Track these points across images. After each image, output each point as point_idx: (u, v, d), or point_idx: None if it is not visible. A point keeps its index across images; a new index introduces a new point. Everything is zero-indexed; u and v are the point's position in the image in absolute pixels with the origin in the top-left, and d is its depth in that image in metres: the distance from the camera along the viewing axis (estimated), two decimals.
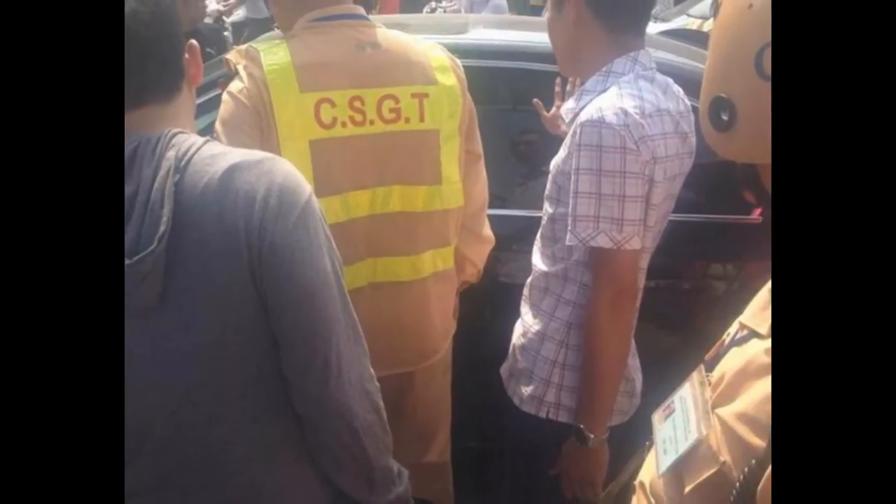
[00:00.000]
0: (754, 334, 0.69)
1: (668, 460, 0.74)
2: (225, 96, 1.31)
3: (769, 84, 0.62)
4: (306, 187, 0.89)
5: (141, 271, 0.79)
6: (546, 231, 1.42)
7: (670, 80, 1.39)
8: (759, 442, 0.61)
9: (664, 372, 1.23)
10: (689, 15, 7.16)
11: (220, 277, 0.83)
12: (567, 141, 1.33)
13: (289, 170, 0.89)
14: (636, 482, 0.85)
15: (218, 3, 7.19)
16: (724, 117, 0.68)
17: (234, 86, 1.30)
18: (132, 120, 0.85)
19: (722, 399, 0.69)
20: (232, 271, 0.83)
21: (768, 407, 0.58)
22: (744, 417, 0.65)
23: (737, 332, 0.74)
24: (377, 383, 0.97)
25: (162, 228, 0.79)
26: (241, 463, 0.91)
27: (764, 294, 0.72)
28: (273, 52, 1.30)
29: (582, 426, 1.33)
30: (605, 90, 1.31)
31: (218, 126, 1.28)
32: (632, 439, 1.13)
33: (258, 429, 0.91)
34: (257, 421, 0.91)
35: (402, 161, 1.38)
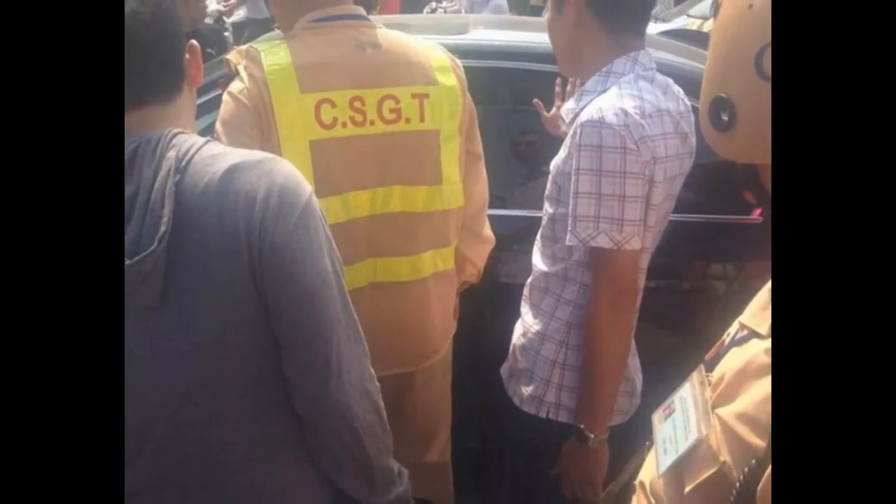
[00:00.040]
0: (754, 334, 0.69)
1: (668, 460, 0.74)
2: (225, 97, 1.31)
3: (769, 84, 0.62)
4: (307, 187, 0.89)
5: (141, 271, 0.79)
6: (546, 231, 1.42)
7: (670, 81, 1.39)
8: (759, 442, 0.62)
9: (664, 372, 1.23)
10: (689, 15, 7.16)
11: (221, 277, 0.83)
12: (567, 141, 1.33)
13: (289, 170, 0.89)
14: (636, 482, 0.85)
15: (218, 3, 7.19)
16: (724, 117, 0.68)
17: (235, 86, 1.30)
18: (133, 120, 0.85)
19: (722, 399, 0.69)
20: (232, 271, 0.83)
21: (768, 407, 0.58)
22: (744, 417, 0.65)
23: (737, 333, 0.74)
24: (377, 383, 0.97)
25: (162, 229, 0.79)
26: (242, 463, 0.91)
27: (764, 294, 0.72)
28: (273, 53, 1.31)
29: (582, 426, 1.33)
30: (605, 90, 1.31)
31: (218, 126, 1.28)
32: (632, 439, 1.13)
33: (258, 429, 0.91)
34: (258, 421, 0.91)
35: (402, 161, 1.38)
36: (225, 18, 7.35)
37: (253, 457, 0.92)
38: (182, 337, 0.84)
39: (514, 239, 1.89)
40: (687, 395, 0.76)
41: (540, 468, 1.42)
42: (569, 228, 1.27)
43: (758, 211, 1.91)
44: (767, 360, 0.64)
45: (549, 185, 1.39)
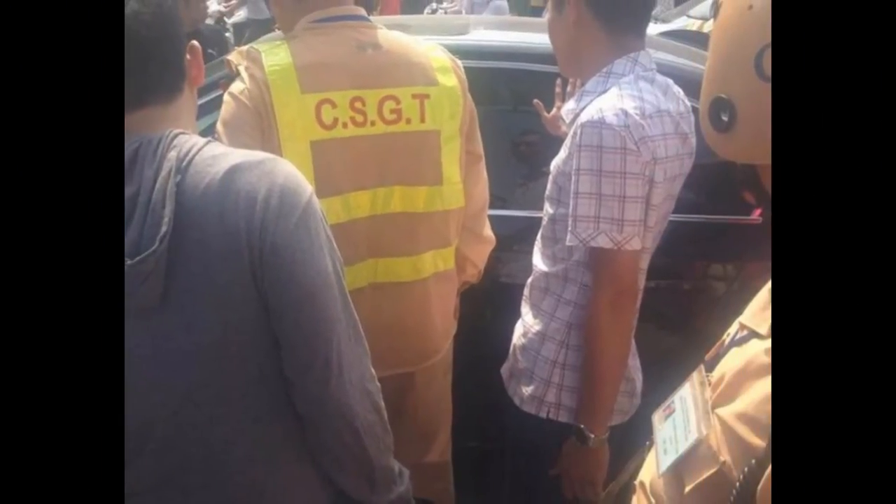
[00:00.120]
0: (754, 334, 0.69)
1: (668, 460, 0.74)
2: (226, 97, 1.31)
3: (769, 85, 0.62)
4: (307, 188, 0.89)
5: (142, 272, 0.79)
6: (546, 231, 1.42)
7: (670, 81, 1.39)
8: (759, 442, 0.62)
9: (664, 372, 1.23)
10: (689, 16, 7.16)
11: (222, 278, 0.83)
12: (567, 142, 1.34)
13: (290, 170, 0.89)
14: (636, 482, 0.85)
15: (219, 3, 7.20)
16: (724, 118, 0.69)
17: (236, 87, 1.31)
18: (133, 121, 0.85)
19: (722, 399, 0.69)
20: (233, 272, 0.83)
21: (768, 407, 0.58)
22: (744, 417, 0.65)
23: (737, 333, 0.74)
24: (378, 383, 0.97)
25: (163, 229, 0.79)
26: (243, 463, 0.91)
27: (764, 294, 0.72)
28: (274, 53, 1.31)
29: (582, 426, 1.33)
30: (605, 91, 1.31)
31: (219, 127, 1.28)
32: (632, 439, 1.13)
33: (259, 429, 0.91)
34: (259, 421, 0.91)
35: (402, 162, 1.38)
36: (226, 19, 7.36)
37: (254, 457, 0.92)
38: (183, 337, 0.84)
39: (514, 239, 1.89)
40: (687, 395, 0.76)
41: (540, 468, 1.42)
42: (569, 229, 1.27)
43: (758, 211, 1.91)
44: (767, 360, 0.64)
45: (549, 186, 1.39)
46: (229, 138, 1.25)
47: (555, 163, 1.38)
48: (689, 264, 2.01)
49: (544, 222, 1.42)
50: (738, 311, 0.75)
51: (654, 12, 1.61)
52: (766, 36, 0.62)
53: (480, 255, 1.61)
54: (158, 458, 0.88)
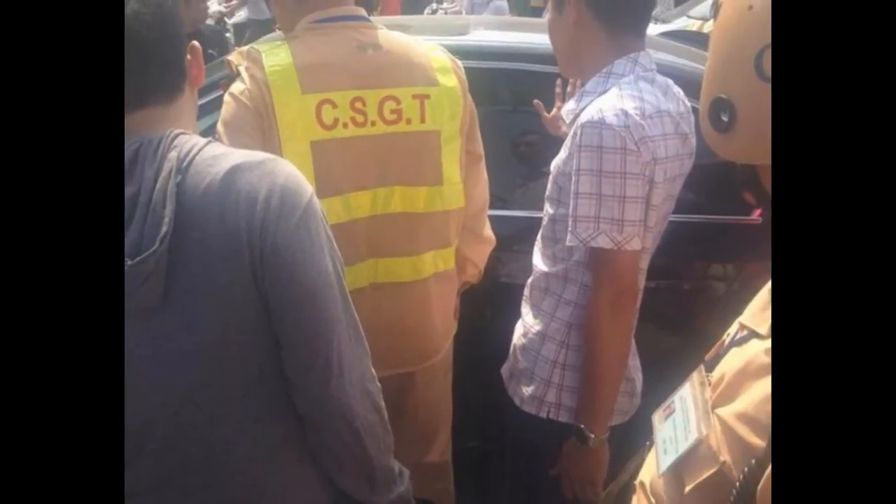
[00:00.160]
0: (754, 334, 0.69)
1: (668, 460, 0.74)
2: (227, 97, 1.31)
3: (769, 85, 0.62)
4: (308, 188, 0.89)
5: (143, 272, 0.79)
6: (547, 232, 1.42)
7: (670, 82, 1.40)
8: (759, 442, 0.62)
9: (664, 372, 1.23)
10: (689, 16, 7.16)
11: (222, 278, 0.83)
12: (567, 142, 1.34)
13: (290, 171, 0.89)
14: (636, 482, 0.85)
15: (220, 4, 7.20)
16: (724, 118, 0.69)
17: (236, 87, 1.31)
18: (134, 121, 0.85)
19: (722, 399, 0.69)
20: (234, 272, 0.84)
21: (768, 407, 0.58)
22: (744, 417, 0.65)
23: (737, 333, 0.75)
24: (378, 383, 0.97)
25: (164, 229, 0.79)
26: (243, 463, 0.91)
27: (764, 294, 0.72)
28: (275, 54, 1.31)
29: (582, 426, 1.33)
30: (605, 91, 1.31)
31: (220, 127, 1.29)
32: (632, 439, 1.14)
33: (260, 429, 0.91)
34: (259, 421, 0.91)
35: (403, 162, 1.38)
36: (226, 19, 7.36)
37: (254, 457, 0.92)
38: (183, 337, 0.84)
39: (514, 239, 1.89)
40: (687, 395, 0.77)
41: (540, 468, 1.42)
42: (569, 229, 1.28)
43: (757, 211, 1.91)
44: (767, 360, 0.64)
45: (549, 186, 1.39)
46: (230, 138, 1.25)
47: (555, 163, 1.38)
48: (690, 264, 2.01)
49: (544, 222, 1.42)
50: (738, 312, 0.76)
51: (654, 13, 1.61)
52: (766, 36, 0.62)
53: (481, 255, 1.61)
54: (159, 459, 0.88)
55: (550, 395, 1.39)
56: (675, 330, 1.98)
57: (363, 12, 1.42)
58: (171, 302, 0.82)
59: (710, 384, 0.73)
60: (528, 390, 1.41)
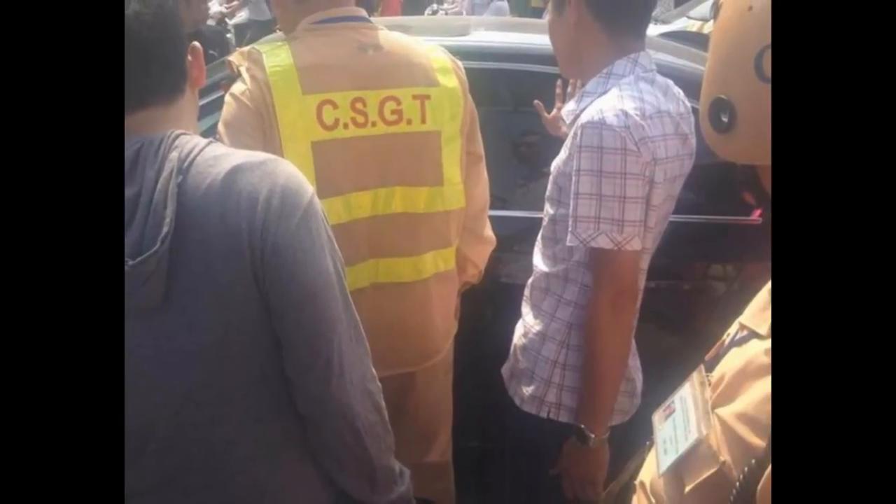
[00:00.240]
0: (754, 335, 0.69)
1: (668, 460, 0.75)
2: (227, 98, 1.31)
3: (769, 86, 0.62)
4: (309, 188, 0.90)
5: (144, 272, 0.79)
6: (547, 232, 1.42)
7: (670, 82, 1.40)
8: (759, 442, 0.62)
9: (664, 372, 1.23)
10: (689, 17, 7.15)
11: (223, 278, 0.83)
12: (568, 142, 1.34)
13: (291, 171, 0.89)
14: (636, 482, 0.86)
15: (221, 4, 7.21)
16: (724, 119, 0.69)
17: (237, 87, 1.31)
18: (135, 121, 0.85)
19: (722, 399, 0.69)
20: (235, 272, 0.84)
21: (768, 407, 0.59)
22: (744, 417, 0.65)
23: (737, 333, 0.75)
24: (379, 383, 0.97)
25: (165, 229, 0.79)
26: (244, 463, 0.91)
27: (764, 295, 0.72)
28: (275, 54, 1.31)
29: (583, 426, 1.33)
30: (605, 92, 1.31)
31: (221, 128, 1.29)
32: (632, 439, 1.14)
33: (261, 429, 0.92)
34: (260, 421, 0.91)
35: (403, 162, 1.39)
36: (227, 20, 7.37)
37: (255, 456, 0.92)
38: (184, 337, 0.84)
39: (514, 240, 1.89)
40: (687, 395, 0.77)
41: (541, 468, 1.42)
42: (569, 229, 1.28)
43: (757, 212, 1.91)
44: (767, 360, 0.65)
45: (549, 186, 1.40)
46: (231, 139, 1.25)
47: (555, 163, 1.38)
48: (690, 265, 2.01)
49: (545, 223, 1.42)
50: (738, 312, 0.76)
51: (654, 13, 1.61)
52: (766, 37, 0.62)
53: (481, 255, 1.61)
54: (160, 459, 0.88)
55: (551, 395, 1.39)
56: (675, 330, 1.98)
57: (364, 13, 1.42)
58: (172, 302, 0.83)
59: (710, 384, 0.73)
60: (528, 390, 1.41)
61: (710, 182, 1.83)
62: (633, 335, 1.39)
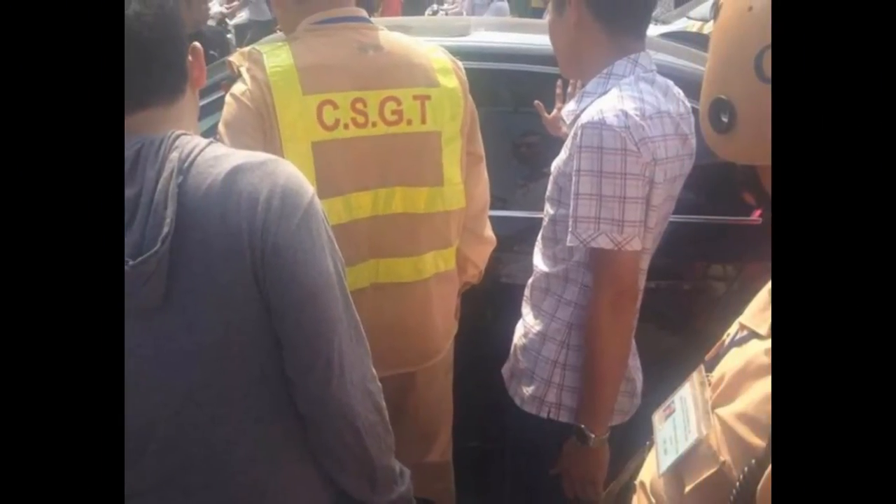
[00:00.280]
0: (754, 335, 0.69)
1: (668, 460, 0.75)
2: (228, 98, 1.31)
3: (769, 86, 0.63)
4: (309, 189, 0.90)
5: (144, 272, 0.79)
6: (547, 232, 1.42)
7: (670, 82, 1.40)
8: (759, 442, 0.62)
9: (664, 372, 1.23)
10: (689, 17, 7.15)
11: (224, 278, 0.83)
12: (568, 143, 1.34)
13: (292, 171, 0.89)
14: (637, 482, 0.86)
15: (221, 5, 7.21)
16: (724, 119, 0.69)
17: (237, 88, 1.31)
18: (136, 122, 0.85)
19: (722, 399, 0.70)
20: (235, 272, 0.84)
21: (768, 407, 0.59)
22: (744, 417, 0.65)
23: (737, 333, 0.75)
24: (379, 383, 0.97)
25: (165, 230, 0.79)
26: (244, 463, 0.91)
27: (764, 295, 0.72)
28: (276, 55, 1.31)
29: (583, 426, 1.33)
30: (605, 92, 1.31)
31: (221, 128, 1.29)
32: (632, 439, 1.14)
33: (261, 429, 0.92)
34: (260, 421, 0.91)
35: (403, 163, 1.39)
36: (227, 20, 7.37)
37: (255, 457, 0.92)
38: (185, 337, 0.84)
39: (515, 240, 1.89)
40: (687, 396, 0.77)
41: (541, 468, 1.42)
42: (569, 229, 1.28)
43: (757, 212, 1.91)
44: (767, 360, 0.65)
45: (549, 187, 1.40)
46: (231, 139, 1.25)
47: (555, 164, 1.38)
48: (690, 265, 2.01)
49: (545, 223, 1.43)
50: (738, 312, 0.76)
51: (654, 14, 1.61)
52: (766, 37, 0.62)
53: (481, 255, 1.61)
54: (160, 459, 0.88)
55: (551, 395, 1.39)
56: (675, 330, 1.98)
57: (364, 13, 1.42)
58: (173, 302, 0.83)
59: (710, 384, 0.73)
60: (528, 390, 1.41)
61: (710, 182, 1.83)
62: (633, 335, 1.39)
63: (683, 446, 0.72)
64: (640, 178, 1.25)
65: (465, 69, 1.49)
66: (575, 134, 1.28)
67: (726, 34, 0.69)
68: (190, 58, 0.93)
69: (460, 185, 1.46)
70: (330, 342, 0.88)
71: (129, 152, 0.82)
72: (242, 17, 7.49)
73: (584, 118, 1.27)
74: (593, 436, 1.32)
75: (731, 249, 1.99)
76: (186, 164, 0.83)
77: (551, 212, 1.39)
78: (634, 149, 1.23)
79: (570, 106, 1.39)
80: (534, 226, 1.52)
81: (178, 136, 0.85)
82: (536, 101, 1.85)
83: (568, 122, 1.38)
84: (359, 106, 1.33)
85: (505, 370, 1.53)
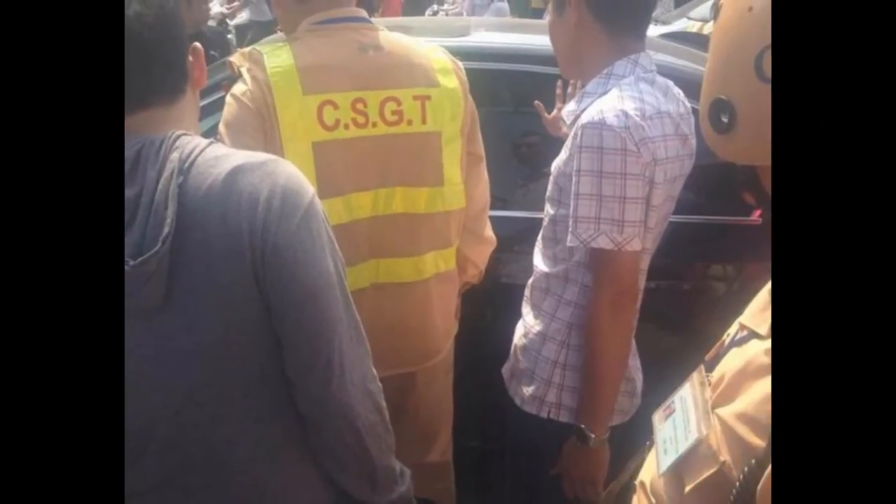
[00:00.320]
0: (754, 335, 0.70)
1: (668, 460, 0.75)
2: (228, 98, 1.31)
3: (769, 86, 0.63)
4: (309, 189, 0.90)
5: (145, 272, 0.79)
6: (547, 232, 1.42)
7: (670, 83, 1.40)
8: (759, 442, 0.62)
9: (664, 372, 1.23)
10: (689, 18, 7.15)
11: (224, 278, 0.84)
12: (568, 143, 1.34)
13: (292, 171, 0.89)
14: (637, 482, 0.86)
15: (221, 5, 7.21)
16: (724, 119, 0.69)
17: (238, 88, 1.31)
18: (136, 122, 0.85)
19: (722, 399, 0.70)
20: (235, 272, 0.84)
21: (768, 407, 0.59)
22: (744, 417, 0.65)
23: (737, 333, 0.75)
24: (379, 383, 0.97)
25: (166, 230, 0.79)
26: (245, 463, 0.91)
27: (764, 295, 0.72)
28: (276, 55, 1.31)
29: (583, 426, 1.34)
30: (605, 92, 1.31)
31: (221, 128, 1.29)
32: (632, 439, 1.14)
33: (261, 429, 0.92)
34: (260, 421, 0.91)
35: (404, 163, 1.39)
36: (228, 21, 7.38)
37: (256, 457, 0.92)
38: (185, 337, 0.84)
39: (515, 240, 1.89)
40: (687, 396, 0.77)
41: (541, 468, 1.42)
42: (570, 229, 1.28)
43: (757, 212, 1.91)
44: (767, 360, 0.65)
45: (549, 187, 1.40)
46: (231, 139, 1.25)
47: (555, 164, 1.38)
48: (690, 265, 2.01)
49: (545, 223, 1.43)
50: (738, 312, 0.76)
51: (654, 14, 1.61)
52: (766, 37, 0.62)
53: (481, 255, 1.61)
54: (160, 459, 0.88)
55: (551, 395, 1.39)
56: (675, 330, 1.98)
57: (364, 14, 1.42)
58: (173, 302, 0.83)
59: (710, 384, 0.73)
60: (528, 390, 1.41)
61: (710, 182, 1.83)
62: (633, 335, 1.39)
63: (683, 446, 0.72)
64: (640, 178, 1.25)
65: (466, 69, 1.49)
66: (575, 134, 1.28)
67: (726, 34, 0.69)
68: (190, 58, 0.93)
69: (460, 185, 1.46)
70: (330, 342, 0.88)
71: (129, 152, 0.82)
72: (243, 17, 7.49)
73: (584, 118, 1.27)
74: (593, 436, 1.32)
75: (731, 249, 1.99)
76: (187, 165, 0.83)
77: (551, 212, 1.39)
78: (634, 149, 1.23)
79: (571, 106, 1.39)
80: (534, 226, 1.52)
81: (178, 137, 0.85)
82: (536, 102, 1.85)
83: (568, 123, 1.38)
84: (359, 106, 1.33)
85: (505, 370, 1.53)
